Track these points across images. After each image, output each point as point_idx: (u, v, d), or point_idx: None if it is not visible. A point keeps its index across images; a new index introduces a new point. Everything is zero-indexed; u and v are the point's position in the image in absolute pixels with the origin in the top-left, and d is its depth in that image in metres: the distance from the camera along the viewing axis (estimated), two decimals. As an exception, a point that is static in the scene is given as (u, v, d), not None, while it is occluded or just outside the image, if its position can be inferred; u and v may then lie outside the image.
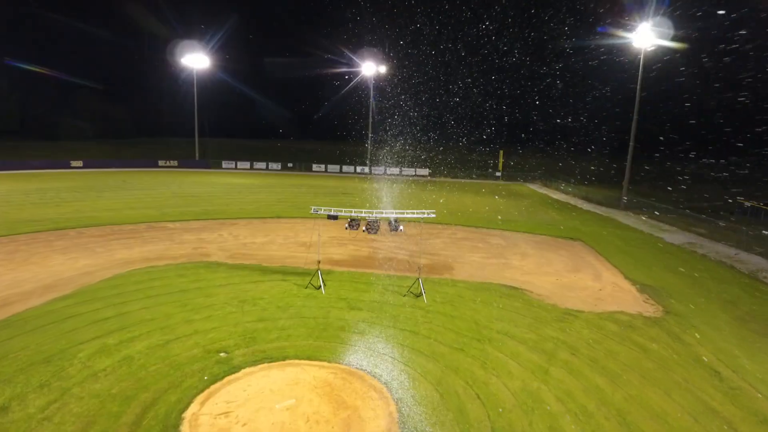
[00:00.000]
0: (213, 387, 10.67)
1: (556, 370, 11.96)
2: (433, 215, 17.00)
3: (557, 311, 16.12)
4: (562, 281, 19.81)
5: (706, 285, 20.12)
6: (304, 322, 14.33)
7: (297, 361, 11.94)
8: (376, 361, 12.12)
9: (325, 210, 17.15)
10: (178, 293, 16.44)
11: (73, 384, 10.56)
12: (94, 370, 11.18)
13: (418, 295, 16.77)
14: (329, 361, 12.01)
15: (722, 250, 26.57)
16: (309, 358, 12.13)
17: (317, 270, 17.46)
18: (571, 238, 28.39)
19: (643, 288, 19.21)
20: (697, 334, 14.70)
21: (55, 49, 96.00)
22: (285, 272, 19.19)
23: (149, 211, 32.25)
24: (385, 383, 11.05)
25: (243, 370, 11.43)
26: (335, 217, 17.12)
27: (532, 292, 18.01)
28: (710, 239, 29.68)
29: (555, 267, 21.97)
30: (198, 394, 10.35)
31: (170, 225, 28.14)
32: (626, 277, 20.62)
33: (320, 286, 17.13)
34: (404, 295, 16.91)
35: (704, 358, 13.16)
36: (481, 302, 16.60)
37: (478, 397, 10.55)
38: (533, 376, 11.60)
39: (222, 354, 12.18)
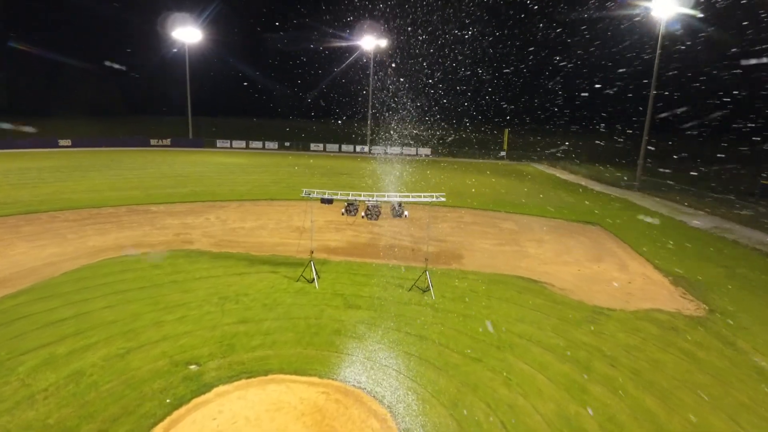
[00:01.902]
0: (176, 413, 8.64)
1: (595, 388, 9.92)
2: (443, 199, 14.80)
3: (585, 309, 14.04)
4: (585, 272, 17.71)
5: (745, 276, 18.01)
6: (293, 325, 12.26)
7: (281, 377, 9.90)
8: (377, 376, 10.07)
9: (318, 193, 14.94)
10: (150, 288, 14.35)
11: (3, 410, 8.52)
12: (33, 390, 9.14)
13: (425, 290, 14.68)
14: (320, 377, 9.97)
15: (755, 236, 24.40)
16: (296, 372, 10.08)
17: (310, 261, 15.35)
18: (588, 222, 26.20)
19: (676, 280, 17.12)
20: (751, 338, 12.64)
21: (46, 25, 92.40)
22: (275, 262, 17.08)
23: (134, 193, 30.02)
24: (388, 407, 9.02)
25: (215, 389, 9.39)
26: (330, 201, 14.92)
27: (553, 286, 15.92)
28: (738, 223, 27.48)
29: (575, 255, 19.84)
30: (156, 424, 8.32)
31: (153, 208, 25.94)
32: (655, 267, 18.50)
33: (313, 279, 15.05)
34: (409, 290, 14.82)
35: (767, 369, 11.13)
36: (498, 299, 14.52)
37: (505, 427, 8.51)
38: (569, 396, 9.56)
39: (192, 367, 10.14)
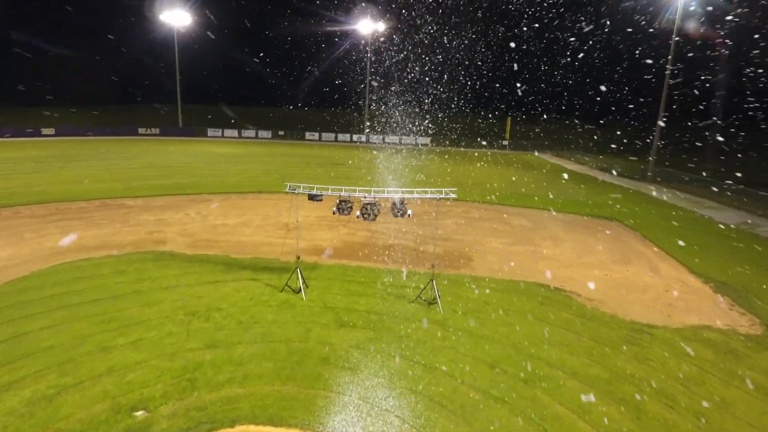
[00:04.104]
0: (105, 489, 6.43)
1: (656, 443, 7.74)
2: (454, 195, 12.51)
3: (622, 326, 11.85)
4: (613, 277, 15.51)
5: (793, 282, 15.85)
6: (272, 350, 10.04)
7: (252, 429, 7.68)
8: (375, 426, 7.86)
9: (305, 188, 12.63)
10: (106, 301, 12.09)
11: None
12: None
13: (432, 303, 12.47)
14: (302, 428, 7.75)
15: (790, 233, 22.26)
16: (271, 421, 7.86)
17: (296, 267, 13.09)
18: (606, 218, 23.98)
19: (718, 287, 14.94)
20: (827, 365, 10.48)
21: (29, 11, 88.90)
22: (256, 267, 14.82)
23: (113, 185, 27.60)
24: (389, 475, 6.83)
25: (163, 449, 7.19)
26: (319, 198, 12.61)
27: (580, 296, 13.71)
28: (766, 218, 25.33)
29: (598, 256, 17.63)
30: None
31: (130, 202, 23.59)
32: (691, 271, 16.32)
33: (300, 290, 12.81)
34: (413, 302, 12.61)
35: None
36: (517, 313, 12.31)
37: None
38: (624, 457, 7.38)
39: (138, 414, 7.91)
